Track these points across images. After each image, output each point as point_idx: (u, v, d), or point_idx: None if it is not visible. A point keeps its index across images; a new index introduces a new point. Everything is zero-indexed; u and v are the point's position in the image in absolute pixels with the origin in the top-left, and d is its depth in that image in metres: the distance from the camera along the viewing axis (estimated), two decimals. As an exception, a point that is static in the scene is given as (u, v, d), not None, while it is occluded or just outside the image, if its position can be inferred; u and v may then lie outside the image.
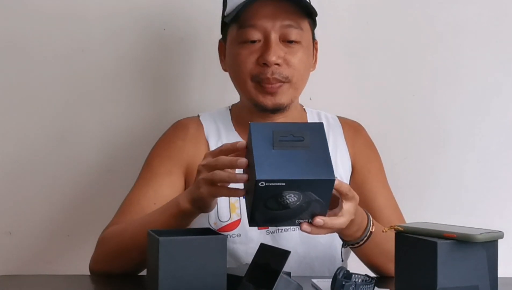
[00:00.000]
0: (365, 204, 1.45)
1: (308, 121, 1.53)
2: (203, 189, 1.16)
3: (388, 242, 1.28)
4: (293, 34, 1.43)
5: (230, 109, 1.57)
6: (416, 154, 1.79)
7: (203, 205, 1.20)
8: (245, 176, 1.08)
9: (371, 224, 1.28)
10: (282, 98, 1.44)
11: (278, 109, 1.46)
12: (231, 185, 1.15)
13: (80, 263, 1.78)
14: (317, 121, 1.54)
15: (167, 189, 1.43)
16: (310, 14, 1.45)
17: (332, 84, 1.76)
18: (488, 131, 1.79)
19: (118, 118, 1.79)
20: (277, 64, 1.42)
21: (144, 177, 1.47)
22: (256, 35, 1.43)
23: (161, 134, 1.54)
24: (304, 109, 1.57)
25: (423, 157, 1.79)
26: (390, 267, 1.34)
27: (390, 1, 1.80)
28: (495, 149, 1.79)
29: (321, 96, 1.67)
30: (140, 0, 1.79)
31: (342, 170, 1.50)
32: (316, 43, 1.52)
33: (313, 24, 1.49)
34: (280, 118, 1.48)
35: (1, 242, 1.80)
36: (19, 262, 1.80)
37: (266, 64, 1.42)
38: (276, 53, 1.42)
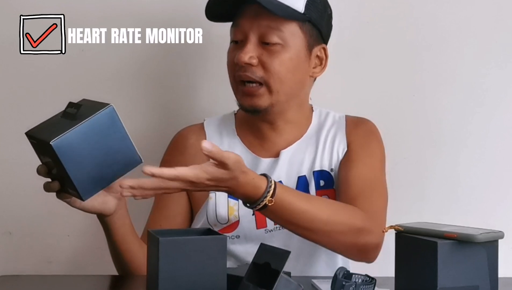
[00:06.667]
0: (341, 177, 1.46)
1: (312, 121, 1.54)
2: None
3: (303, 213, 1.29)
4: (271, 36, 1.42)
5: (235, 114, 1.57)
6: (416, 154, 1.79)
7: (88, 211, 1.27)
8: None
9: (266, 198, 1.24)
10: (259, 100, 1.43)
11: (257, 111, 1.45)
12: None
13: (80, 263, 1.79)
14: (321, 120, 1.54)
15: (178, 208, 1.50)
16: (296, 18, 1.43)
17: (332, 84, 1.76)
18: (490, 131, 1.78)
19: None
20: (250, 63, 1.42)
21: (156, 199, 1.54)
22: (239, 35, 1.45)
23: (162, 136, 1.55)
24: (313, 109, 1.56)
25: (423, 157, 1.79)
26: (304, 234, 1.33)
27: (390, 1, 1.79)
28: (496, 149, 1.78)
29: (320, 96, 1.67)
30: (141, 1, 1.79)
31: (336, 158, 1.50)
32: (325, 49, 1.50)
33: (316, 29, 1.46)
34: (279, 122, 1.49)
35: (1, 242, 1.80)
36: (19, 262, 1.79)
37: (238, 64, 1.42)
38: (248, 53, 1.41)
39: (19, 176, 1.78)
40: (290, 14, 1.41)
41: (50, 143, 1.10)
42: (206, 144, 1.15)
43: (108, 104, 1.15)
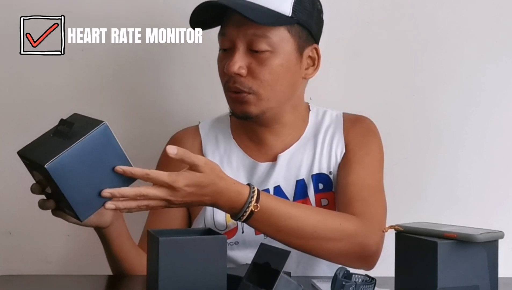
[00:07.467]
0: (339, 180, 1.45)
1: (309, 122, 1.52)
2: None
3: (290, 219, 1.28)
4: (259, 44, 1.39)
5: (230, 115, 1.55)
6: (416, 154, 1.79)
7: (84, 225, 1.26)
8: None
9: (251, 203, 1.24)
10: (249, 107, 1.42)
11: (249, 117, 1.43)
12: None
13: (80, 263, 1.79)
14: (318, 119, 1.54)
15: (175, 213, 1.48)
16: (283, 23, 1.40)
17: (332, 84, 1.76)
18: (489, 131, 1.79)
19: (118, 119, 1.79)
20: (239, 74, 1.39)
21: None
22: (226, 43, 1.43)
23: (162, 137, 1.54)
24: (309, 108, 1.55)
25: (423, 157, 1.79)
26: (293, 242, 1.31)
27: (390, 1, 1.79)
28: (496, 149, 1.79)
29: (321, 96, 1.67)
30: (141, 1, 1.79)
31: (335, 161, 1.49)
32: (317, 49, 1.47)
33: (305, 30, 1.43)
34: (274, 126, 1.48)
35: (1, 242, 1.80)
36: (19, 262, 1.79)
37: (228, 74, 1.41)
38: (237, 63, 1.39)
39: (19, 176, 1.77)
40: (276, 21, 1.38)
41: (45, 166, 1.08)
42: (170, 149, 1.15)
43: (102, 121, 1.13)
